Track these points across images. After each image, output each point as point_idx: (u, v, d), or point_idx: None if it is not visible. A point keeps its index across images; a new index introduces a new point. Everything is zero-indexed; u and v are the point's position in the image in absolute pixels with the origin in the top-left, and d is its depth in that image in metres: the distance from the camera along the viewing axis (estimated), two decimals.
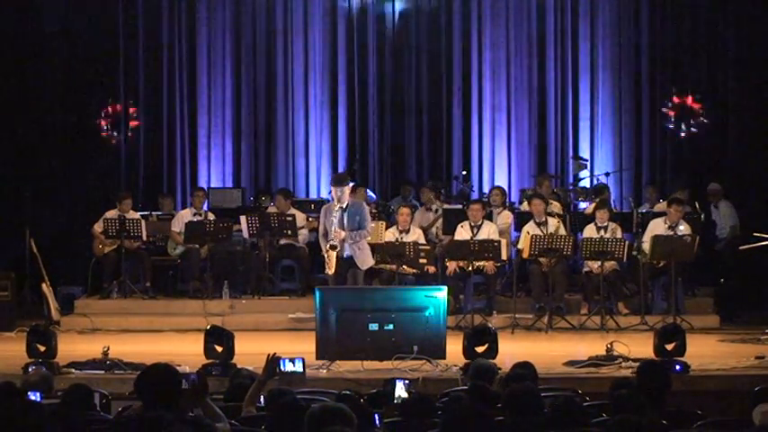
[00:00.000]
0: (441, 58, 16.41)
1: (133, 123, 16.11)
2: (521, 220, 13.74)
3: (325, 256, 11.15)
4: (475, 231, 12.90)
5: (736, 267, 13.76)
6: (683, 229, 12.80)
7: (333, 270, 11.06)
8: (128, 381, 8.21)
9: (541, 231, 12.82)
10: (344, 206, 11.02)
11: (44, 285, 12.79)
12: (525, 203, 14.40)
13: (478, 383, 6.78)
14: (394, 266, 12.14)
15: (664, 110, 16.07)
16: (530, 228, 12.97)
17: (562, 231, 12.86)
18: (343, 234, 10.99)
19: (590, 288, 12.90)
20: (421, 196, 14.48)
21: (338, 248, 11.01)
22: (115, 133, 15.99)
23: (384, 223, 13.50)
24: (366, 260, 11.32)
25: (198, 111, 16.36)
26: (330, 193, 11.28)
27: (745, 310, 13.43)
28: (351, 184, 11.58)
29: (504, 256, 12.69)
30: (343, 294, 10.51)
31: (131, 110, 16.08)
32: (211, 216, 13.85)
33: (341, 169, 16.07)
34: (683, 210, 13.03)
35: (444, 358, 9.61)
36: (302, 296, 13.40)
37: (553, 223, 12.96)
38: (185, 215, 13.90)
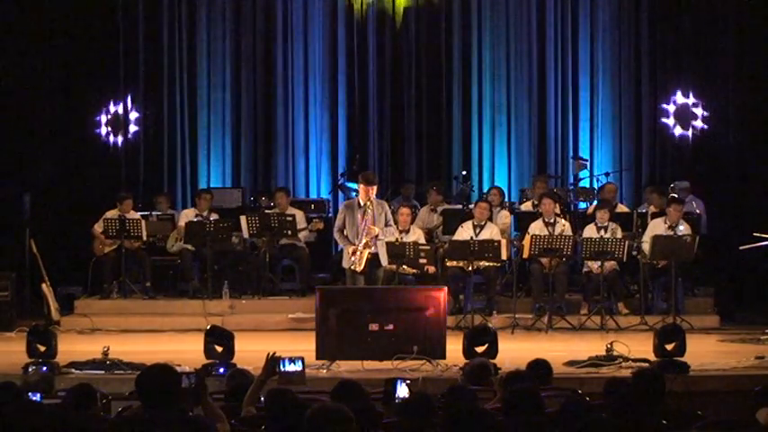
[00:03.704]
0: (440, 58, 16.40)
1: (133, 124, 16.10)
2: (521, 220, 13.75)
3: (349, 252, 11.38)
4: (478, 231, 12.91)
5: (734, 267, 13.77)
6: (683, 229, 12.81)
7: (362, 267, 11.33)
8: (128, 381, 8.21)
9: (549, 231, 12.81)
10: (369, 204, 11.18)
11: (44, 285, 12.79)
12: (525, 203, 14.42)
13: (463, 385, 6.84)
14: (394, 266, 12.15)
15: (664, 106, 16.06)
16: (538, 227, 12.95)
17: (568, 233, 12.85)
18: (377, 230, 11.21)
19: (590, 288, 12.91)
20: (428, 198, 14.45)
21: (372, 247, 11.21)
22: (115, 133, 15.99)
23: None
24: (385, 257, 11.74)
25: (198, 111, 16.36)
26: (355, 192, 11.52)
27: (745, 310, 13.45)
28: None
29: (504, 256, 12.69)
30: (344, 294, 10.53)
31: (131, 110, 16.07)
32: (214, 216, 13.84)
33: (341, 169, 16.07)
34: (682, 209, 13.05)
35: (444, 358, 9.62)
36: (302, 296, 13.43)
37: (561, 224, 12.95)
38: (189, 214, 13.91)
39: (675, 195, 13.62)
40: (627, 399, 5.83)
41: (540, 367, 7.68)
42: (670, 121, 16.09)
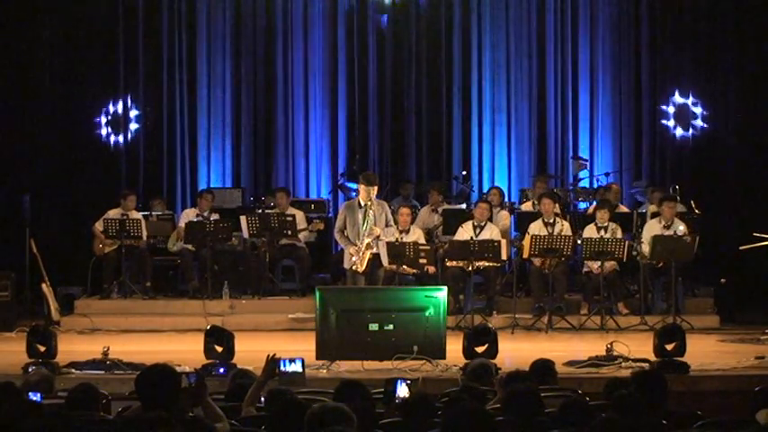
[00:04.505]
0: (441, 58, 16.40)
1: (133, 123, 16.10)
2: (521, 220, 13.75)
3: (350, 252, 11.39)
4: (478, 231, 12.91)
5: (734, 267, 13.76)
6: (683, 229, 12.80)
7: (363, 267, 11.38)
8: (128, 381, 8.21)
9: (548, 231, 12.81)
10: (370, 205, 11.20)
11: (44, 285, 12.79)
12: (525, 203, 14.41)
13: (470, 385, 6.82)
14: (394, 266, 12.15)
15: (663, 107, 16.05)
16: (537, 227, 12.95)
17: (568, 232, 12.84)
18: (378, 231, 11.26)
19: (590, 288, 12.91)
20: (429, 198, 14.45)
21: (373, 248, 11.29)
22: (115, 133, 15.99)
23: None
24: (385, 257, 11.88)
25: (198, 111, 16.35)
26: (355, 192, 11.60)
27: (745, 310, 13.44)
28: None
29: (504, 257, 12.69)
30: (344, 294, 10.53)
31: (131, 109, 16.07)
32: (215, 216, 13.83)
33: (341, 169, 16.07)
34: (675, 206, 13.04)
35: (444, 358, 9.61)
36: (302, 296, 13.43)
37: (561, 224, 12.95)
38: (190, 214, 13.91)
39: (671, 194, 13.61)
40: (628, 399, 5.82)
41: (543, 367, 7.66)
42: (670, 122, 16.09)
